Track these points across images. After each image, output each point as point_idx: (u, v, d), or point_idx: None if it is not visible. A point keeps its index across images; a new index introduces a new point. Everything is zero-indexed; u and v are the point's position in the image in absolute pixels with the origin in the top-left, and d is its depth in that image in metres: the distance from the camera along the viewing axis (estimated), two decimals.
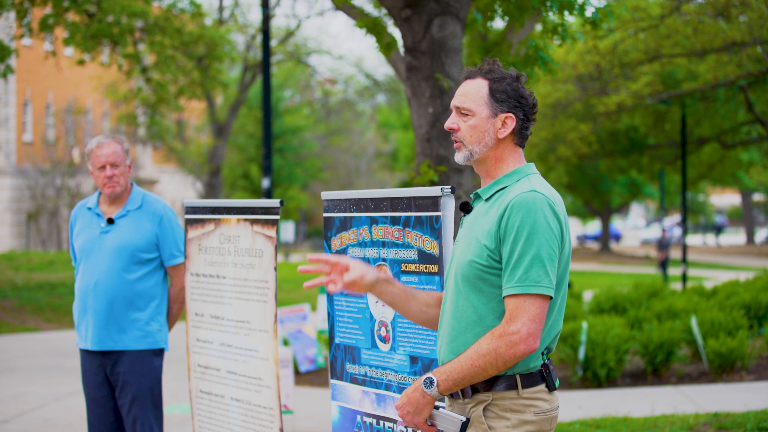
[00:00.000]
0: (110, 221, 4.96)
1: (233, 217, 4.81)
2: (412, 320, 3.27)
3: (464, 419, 2.90)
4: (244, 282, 4.72)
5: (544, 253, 2.84)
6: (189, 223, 5.10)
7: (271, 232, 4.56)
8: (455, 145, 3.07)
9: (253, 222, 4.67)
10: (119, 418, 5.01)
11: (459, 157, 3.06)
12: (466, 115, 3.03)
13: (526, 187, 2.93)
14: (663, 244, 29.51)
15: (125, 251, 4.90)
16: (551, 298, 2.87)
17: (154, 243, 4.97)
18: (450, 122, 3.06)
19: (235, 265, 4.78)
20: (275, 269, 4.52)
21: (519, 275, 2.83)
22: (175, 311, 5.13)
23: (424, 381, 2.91)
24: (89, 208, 5.07)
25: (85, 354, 5.00)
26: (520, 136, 3.04)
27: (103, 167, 4.92)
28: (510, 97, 3.00)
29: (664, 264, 28.92)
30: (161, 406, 5.01)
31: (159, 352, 5.01)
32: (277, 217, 4.56)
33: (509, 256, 2.86)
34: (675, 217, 68.68)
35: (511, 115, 3.00)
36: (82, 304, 4.96)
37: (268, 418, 4.60)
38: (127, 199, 5.03)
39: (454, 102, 3.06)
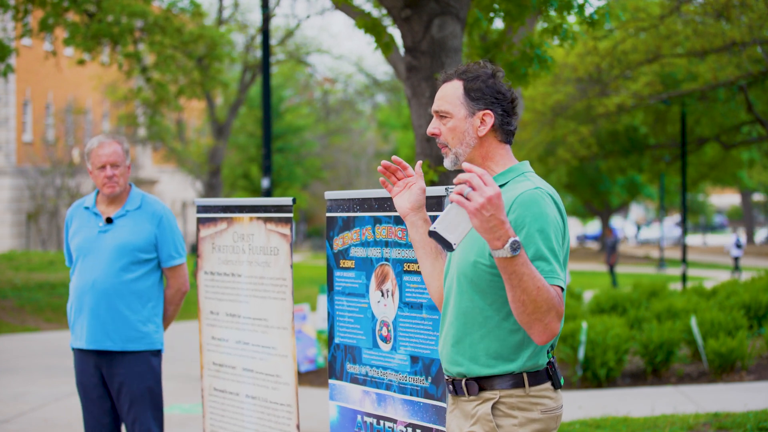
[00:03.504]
0: (109, 221, 4.93)
1: (246, 216, 4.83)
2: (429, 277, 3.23)
3: (453, 247, 2.69)
4: (260, 280, 4.74)
5: (556, 248, 2.86)
6: (201, 222, 5.12)
7: (285, 230, 4.59)
8: (443, 151, 3.07)
9: (267, 220, 4.70)
10: (116, 419, 5.00)
11: (447, 163, 3.07)
12: (445, 117, 3.04)
13: (528, 185, 2.94)
14: (610, 245, 27.04)
15: (124, 251, 4.88)
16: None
17: (153, 243, 4.96)
18: (431, 127, 3.07)
19: (250, 263, 4.81)
20: (291, 266, 4.55)
21: (546, 268, 2.82)
22: (170, 313, 5.10)
23: (514, 242, 2.66)
24: (87, 208, 5.04)
25: (81, 354, 4.97)
26: (503, 132, 3.04)
27: (103, 167, 4.90)
28: (486, 94, 3.01)
29: (612, 267, 26.60)
30: (161, 406, 5.00)
31: (156, 353, 4.99)
32: (291, 215, 4.59)
33: (525, 249, 2.84)
34: (675, 217, 68.71)
35: (488, 111, 3.01)
36: (79, 303, 4.94)
37: (285, 415, 4.62)
38: (125, 199, 5.01)
39: (433, 107, 3.08)
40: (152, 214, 4.99)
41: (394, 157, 3.22)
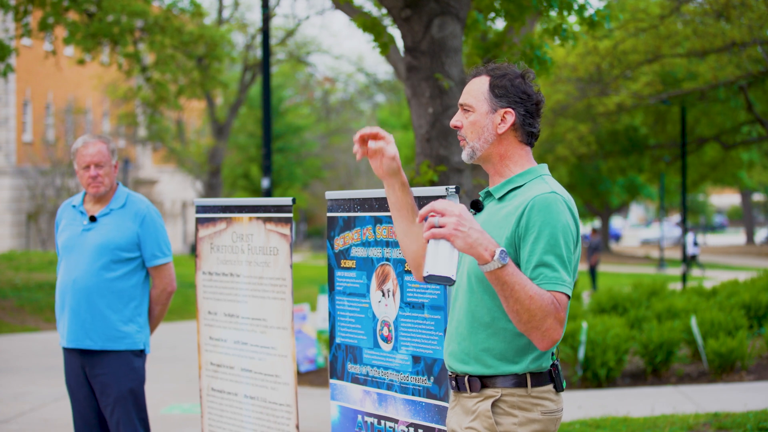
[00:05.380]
0: (92, 219, 4.93)
1: (245, 216, 4.83)
2: (404, 236, 3.20)
3: (453, 281, 2.68)
4: (259, 280, 4.74)
5: (565, 255, 2.85)
6: (200, 222, 5.12)
7: (285, 230, 4.59)
8: (461, 143, 3.09)
9: (266, 220, 4.70)
10: (104, 419, 4.98)
11: (463, 155, 3.08)
12: (468, 111, 3.05)
13: (544, 188, 2.92)
14: (592, 247, 26.13)
15: (105, 249, 4.86)
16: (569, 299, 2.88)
17: (135, 242, 4.92)
18: (454, 119, 3.09)
19: (249, 263, 4.80)
20: (291, 267, 4.55)
21: (549, 274, 2.82)
22: (157, 313, 5.06)
23: (502, 252, 2.71)
24: (74, 206, 5.05)
25: (66, 352, 4.97)
26: (524, 133, 3.04)
27: (87, 167, 4.90)
28: (509, 93, 3.01)
29: (593, 269, 25.67)
30: (145, 407, 4.96)
31: (139, 354, 4.94)
32: (290, 215, 4.59)
33: (531, 254, 2.85)
34: (675, 217, 68.70)
35: (509, 110, 3.00)
36: (61, 302, 4.95)
37: (285, 415, 4.62)
38: (111, 198, 5.01)
39: (459, 100, 3.10)
40: (135, 213, 4.96)
41: (368, 130, 3.11)
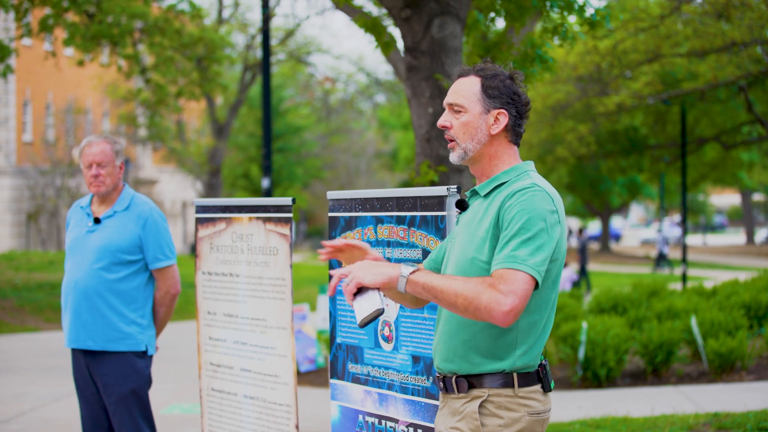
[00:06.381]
0: (97, 221, 4.96)
1: (245, 216, 4.83)
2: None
3: (382, 308, 2.88)
4: (259, 280, 4.75)
5: (534, 239, 2.83)
6: (200, 222, 5.13)
7: (285, 230, 4.60)
8: (449, 144, 3.07)
9: (266, 220, 4.70)
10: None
11: (453, 157, 3.06)
12: (459, 111, 3.04)
13: (526, 182, 2.94)
14: (580, 246, 25.58)
15: (107, 251, 4.88)
16: (537, 285, 2.85)
17: (138, 245, 4.94)
18: (442, 119, 3.07)
19: (248, 263, 4.81)
20: (291, 267, 4.55)
21: (506, 253, 2.81)
22: (161, 315, 5.07)
23: (406, 264, 2.93)
24: (82, 207, 5.09)
25: (73, 352, 5.01)
26: (513, 134, 3.05)
27: (90, 166, 4.93)
28: (502, 94, 3.01)
29: (583, 269, 25.11)
30: (149, 407, 4.97)
31: (142, 355, 4.95)
32: (290, 215, 4.59)
33: (501, 239, 2.86)
34: (675, 217, 68.73)
35: (503, 111, 3.01)
36: (64, 302, 4.99)
37: (284, 415, 4.62)
38: (116, 199, 5.03)
39: (447, 99, 3.07)
40: (138, 216, 4.98)
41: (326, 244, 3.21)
